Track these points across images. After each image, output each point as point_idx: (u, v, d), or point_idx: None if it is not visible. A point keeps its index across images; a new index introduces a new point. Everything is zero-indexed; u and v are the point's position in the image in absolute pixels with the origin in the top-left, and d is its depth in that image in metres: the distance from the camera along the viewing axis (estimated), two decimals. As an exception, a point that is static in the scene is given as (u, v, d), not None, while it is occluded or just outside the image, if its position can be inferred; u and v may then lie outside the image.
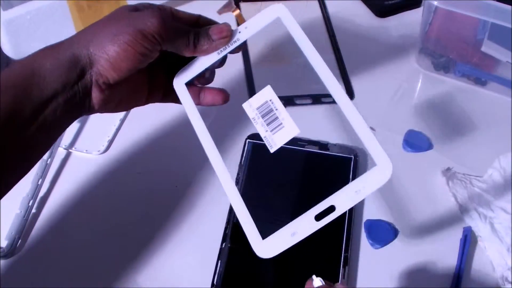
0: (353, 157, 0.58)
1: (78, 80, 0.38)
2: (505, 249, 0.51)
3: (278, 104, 0.40)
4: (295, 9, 0.75)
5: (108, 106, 0.41)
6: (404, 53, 0.70)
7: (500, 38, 0.60)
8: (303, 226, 0.35)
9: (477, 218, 0.54)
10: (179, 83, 0.43)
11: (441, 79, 0.67)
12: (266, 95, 0.41)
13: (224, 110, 0.63)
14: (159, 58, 0.40)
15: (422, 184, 0.57)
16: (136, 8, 0.40)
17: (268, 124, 0.40)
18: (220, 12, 0.46)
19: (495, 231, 0.53)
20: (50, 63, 0.37)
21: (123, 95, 0.42)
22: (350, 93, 0.65)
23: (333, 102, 0.68)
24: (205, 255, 0.51)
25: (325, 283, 0.37)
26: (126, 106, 0.44)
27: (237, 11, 0.43)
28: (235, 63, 0.69)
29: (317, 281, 0.37)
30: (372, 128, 0.63)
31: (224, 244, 0.52)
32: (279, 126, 0.39)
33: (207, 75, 0.44)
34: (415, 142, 0.60)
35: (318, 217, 0.35)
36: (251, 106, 0.41)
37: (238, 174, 0.56)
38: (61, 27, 0.67)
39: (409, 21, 0.74)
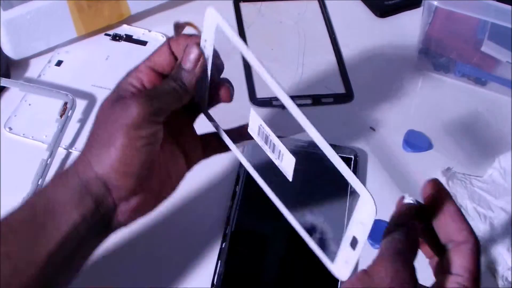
0: (353, 157, 0.58)
1: (97, 205, 0.35)
2: (505, 249, 0.51)
3: (267, 129, 0.38)
4: (295, 9, 0.76)
5: (145, 209, 0.38)
6: (404, 53, 0.70)
7: (500, 38, 0.60)
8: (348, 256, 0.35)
9: (477, 218, 0.54)
10: (206, 113, 0.42)
11: (441, 79, 0.67)
12: (255, 120, 0.39)
13: (224, 110, 0.63)
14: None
15: (422, 184, 0.57)
16: (117, 94, 0.37)
17: (273, 152, 0.38)
18: (177, 34, 0.43)
19: (495, 231, 0.53)
20: (61, 195, 0.35)
21: (155, 186, 0.38)
22: (350, 93, 0.65)
23: (333, 102, 0.68)
24: (205, 255, 0.51)
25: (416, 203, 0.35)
26: (167, 192, 0.40)
27: (193, 25, 0.41)
28: (235, 63, 0.69)
29: (408, 199, 0.36)
30: (372, 128, 0.63)
31: (224, 244, 0.52)
32: (281, 152, 0.38)
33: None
34: (415, 142, 0.60)
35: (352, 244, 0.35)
36: (252, 131, 0.39)
37: (238, 173, 0.56)
38: (61, 27, 0.67)
39: (409, 21, 0.74)
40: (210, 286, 0.49)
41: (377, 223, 0.57)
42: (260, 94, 0.65)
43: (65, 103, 0.60)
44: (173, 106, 0.37)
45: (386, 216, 0.55)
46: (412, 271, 0.31)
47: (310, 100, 0.64)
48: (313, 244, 0.37)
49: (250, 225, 0.53)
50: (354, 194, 0.34)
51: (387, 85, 0.67)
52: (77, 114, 0.62)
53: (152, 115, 0.35)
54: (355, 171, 0.57)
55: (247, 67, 0.68)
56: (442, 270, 0.32)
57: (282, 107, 0.58)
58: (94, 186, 0.35)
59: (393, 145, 0.61)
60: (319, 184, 0.55)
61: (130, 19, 0.72)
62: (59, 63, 0.68)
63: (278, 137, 0.40)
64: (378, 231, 0.54)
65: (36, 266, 0.33)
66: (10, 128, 0.61)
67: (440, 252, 0.33)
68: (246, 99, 0.64)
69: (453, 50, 0.66)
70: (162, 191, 0.40)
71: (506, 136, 0.60)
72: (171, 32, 0.71)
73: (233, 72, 0.68)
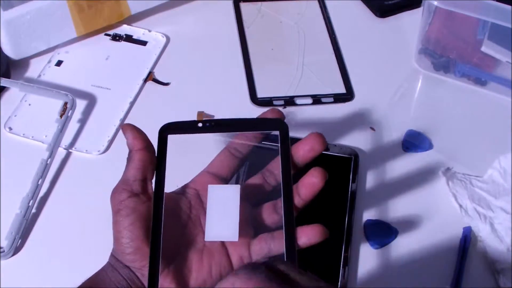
0: (353, 157, 0.58)
1: (130, 283, 0.39)
2: (505, 249, 0.51)
3: None
4: (295, 9, 0.76)
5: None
6: (404, 53, 0.70)
7: (500, 38, 0.60)
8: None
9: (477, 218, 0.54)
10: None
11: (441, 79, 0.67)
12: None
13: (225, 110, 0.63)
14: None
15: (422, 184, 0.57)
16: None
17: None
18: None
19: (495, 231, 0.53)
20: (102, 277, 0.39)
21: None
22: (350, 93, 0.65)
23: (334, 102, 0.68)
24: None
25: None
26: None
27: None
28: (235, 64, 0.69)
29: None
30: (372, 128, 0.63)
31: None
32: None
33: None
34: (415, 142, 0.60)
35: None
36: None
37: (238, 173, 0.56)
38: (61, 27, 0.67)
39: (409, 21, 0.74)
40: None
41: (377, 223, 0.57)
42: (261, 94, 0.65)
43: (65, 103, 0.60)
44: None
45: (386, 216, 0.55)
46: None
47: (310, 99, 0.64)
48: None
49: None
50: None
51: (387, 85, 0.67)
52: (77, 114, 0.62)
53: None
54: (355, 171, 0.57)
55: (247, 67, 0.68)
56: None
57: (283, 106, 0.59)
58: (120, 269, 0.39)
59: (393, 145, 0.61)
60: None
61: (130, 19, 0.72)
62: (59, 63, 0.68)
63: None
64: (377, 232, 0.54)
65: None
66: (10, 128, 0.61)
67: None
68: (247, 99, 0.64)
69: (453, 50, 0.66)
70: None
71: (506, 136, 0.60)
72: (171, 32, 0.72)
73: (234, 72, 0.68)
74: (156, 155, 0.40)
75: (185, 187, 0.42)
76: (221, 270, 0.39)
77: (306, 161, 0.40)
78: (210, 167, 0.43)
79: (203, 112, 0.42)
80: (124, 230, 0.38)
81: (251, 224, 0.40)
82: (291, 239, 0.36)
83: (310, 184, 0.39)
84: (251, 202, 0.41)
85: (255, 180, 0.42)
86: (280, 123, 0.40)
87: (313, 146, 0.39)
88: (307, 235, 0.37)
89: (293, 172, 0.39)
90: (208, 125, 0.40)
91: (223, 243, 0.40)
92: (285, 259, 0.36)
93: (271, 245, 0.39)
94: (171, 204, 0.40)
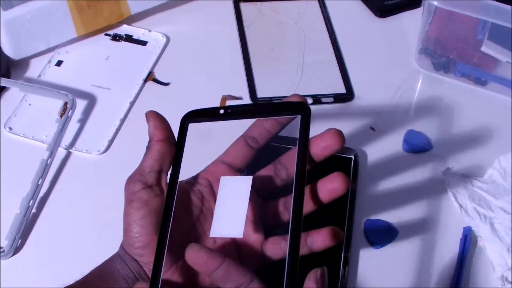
0: (353, 157, 0.58)
1: (137, 276, 0.38)
2: (505, 249, 0.51)
3: None
4: (295, 9, 0.76)
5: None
6: (404, 53, 0.70)
7: (500, 38, 0.60)
8: None
9: (477, 218, 0.54)
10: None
11: (441, 79, 0.67)
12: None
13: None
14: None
15: (422, 184, 0.57)
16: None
17: None
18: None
19: (495, 231, 0.53)
20: (110, 268, 0.39)
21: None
22: (350, 93, 0.65)
23: (334, 102, 0.68)
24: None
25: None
26: None
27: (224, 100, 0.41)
28: (235, 64, 0.69)
29: None
30: (372, 128, 0.63)
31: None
32: None
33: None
34: (415, 142, 0.60)
35: None
36: None
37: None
38: (61, 27, 0.67)
39: (409, 21, 0.74)
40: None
41: (377, 223, 0.57)
42: (261, 94, 0.65)
43: (65, 103, 0.60)
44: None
45: (386, 216, 0.55)
46: None
47: (310, 99, 0.64)
48: None
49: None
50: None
51: (387, 85, 0.67)
52: (77, 114, 0.62)
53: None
54: (355, 171, 0.57)
55: (247, 67, 0.68)
56: None
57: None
58: (128, 261, 0.39)
59: (393, 145, 0.61)
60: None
61: (130, 19, 0.72)
62: (59, 63, 0.68)
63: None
64: (378, 232, 0.54)
65: None
66: (10, 128, 0.61)
67: None
68: (247, 99, 0.64)
69: (453, 50, 0.66)
70: None
71: (506, 136, 0.60)
72: (171, 32, 0.72)
73: (234, 72, 0.68)
74: (175, 145, 0.39)
75: (197, 176, 0.41)
76: None
77: (320, 159, 0.38)
78: (225, 156, 0.41)
79: (228, 95, 0.40)
80: (134, 223, 0.37)
81: (261, 221, 0.39)
82: (295, 241, 0.34)
83: (330, 190, 0.37)
84: (260, 194, 0.40)
85: (266, 171, 0.40)
86: (303, 106, 0.38)
87: (330, 144, 0.38)
88: (318, 242, 0.36)
89: (308, 168, 0.37)
90: (230, 111, 0.39)
91: (234, 239, 0.38)
92: (286, 262, 0.34)
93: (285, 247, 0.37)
94: (183, 197, 0.39)
